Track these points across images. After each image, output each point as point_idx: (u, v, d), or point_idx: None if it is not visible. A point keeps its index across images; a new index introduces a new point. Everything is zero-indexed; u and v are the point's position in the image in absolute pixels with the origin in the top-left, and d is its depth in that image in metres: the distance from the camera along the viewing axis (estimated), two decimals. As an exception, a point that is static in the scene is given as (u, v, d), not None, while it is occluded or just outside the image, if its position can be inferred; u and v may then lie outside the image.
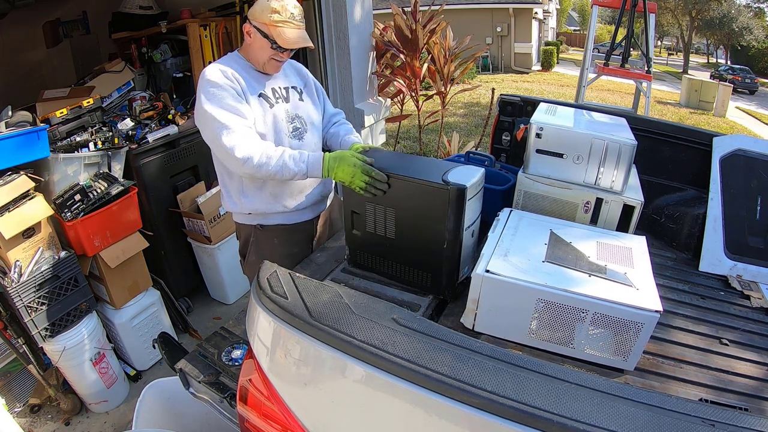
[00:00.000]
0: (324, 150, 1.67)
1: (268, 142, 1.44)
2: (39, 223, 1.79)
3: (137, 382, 2.27)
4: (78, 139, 2.04)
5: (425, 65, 3.22)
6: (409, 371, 0.73)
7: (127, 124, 2.28)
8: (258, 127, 1.47)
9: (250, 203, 1.56)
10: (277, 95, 1.55)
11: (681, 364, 1.18)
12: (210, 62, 1.68)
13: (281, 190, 1.56)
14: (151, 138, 2.26)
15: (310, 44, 1.49)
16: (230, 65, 1.47)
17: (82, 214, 1.90)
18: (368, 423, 0.82)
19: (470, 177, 1.25)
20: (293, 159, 1.39)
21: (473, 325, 1.20)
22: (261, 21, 1.43)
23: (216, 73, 1.42)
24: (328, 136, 1.71)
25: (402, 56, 3.08)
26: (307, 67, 1.76)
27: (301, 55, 2.68)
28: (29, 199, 1.75)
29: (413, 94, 3.30)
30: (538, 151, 1.53)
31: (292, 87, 1.62)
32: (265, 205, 1.56)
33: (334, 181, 1.67)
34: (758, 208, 1.74)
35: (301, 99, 1.62)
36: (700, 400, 1.06)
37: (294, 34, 1.44)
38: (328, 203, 1.75)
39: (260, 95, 1.50)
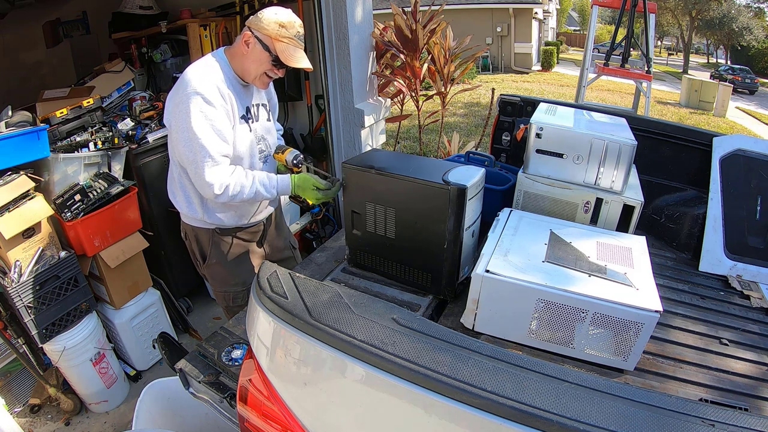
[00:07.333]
0: None
1: (239, 169, 1.43)
2: (39, 223, 1.78)
3: (137, 382, 2.27)
4: (78, 139, 2.04)
5: (425, 65, 3.21)
6: (409, 371, 0.73)
7: (127, 124, 2.28)
8: (237, 150, 1.45)
9: (212, 218, 1.55)
10: (252, 114, 1.51)
11: (681, 364, 1.18)
12: (193, 61, 1.51)
13: (246, 210, 1.60)
14: (151, 138, 2.26)
15: (310, 66, 1.45)
16: (222, 78, 1.39)
17: (82, 214, 1.90)
18: (368, 423, 0.82)
19: (470, 177, 1.25)
20: (264, 186, 1.46)
21: (473, 325, 1.20)
22: (265, 33, 1.37)
23: (212, 91, 1.34)
24: None
25: (402, 56, 3.07)
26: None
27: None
28: (29, 199, 1.75)
29: (413, 94, 3.29)
30: (538, 151, 1.53)
31: (262, 105, 1.58)
32: (229, 220, 1.58)
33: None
34: (758, 208, 1.74)
35: (268, 119, 1.62)
36: (700, 400, 1.06)
37: (298, 53, 1.42)
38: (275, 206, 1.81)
39: (242, 116, 1.46)
